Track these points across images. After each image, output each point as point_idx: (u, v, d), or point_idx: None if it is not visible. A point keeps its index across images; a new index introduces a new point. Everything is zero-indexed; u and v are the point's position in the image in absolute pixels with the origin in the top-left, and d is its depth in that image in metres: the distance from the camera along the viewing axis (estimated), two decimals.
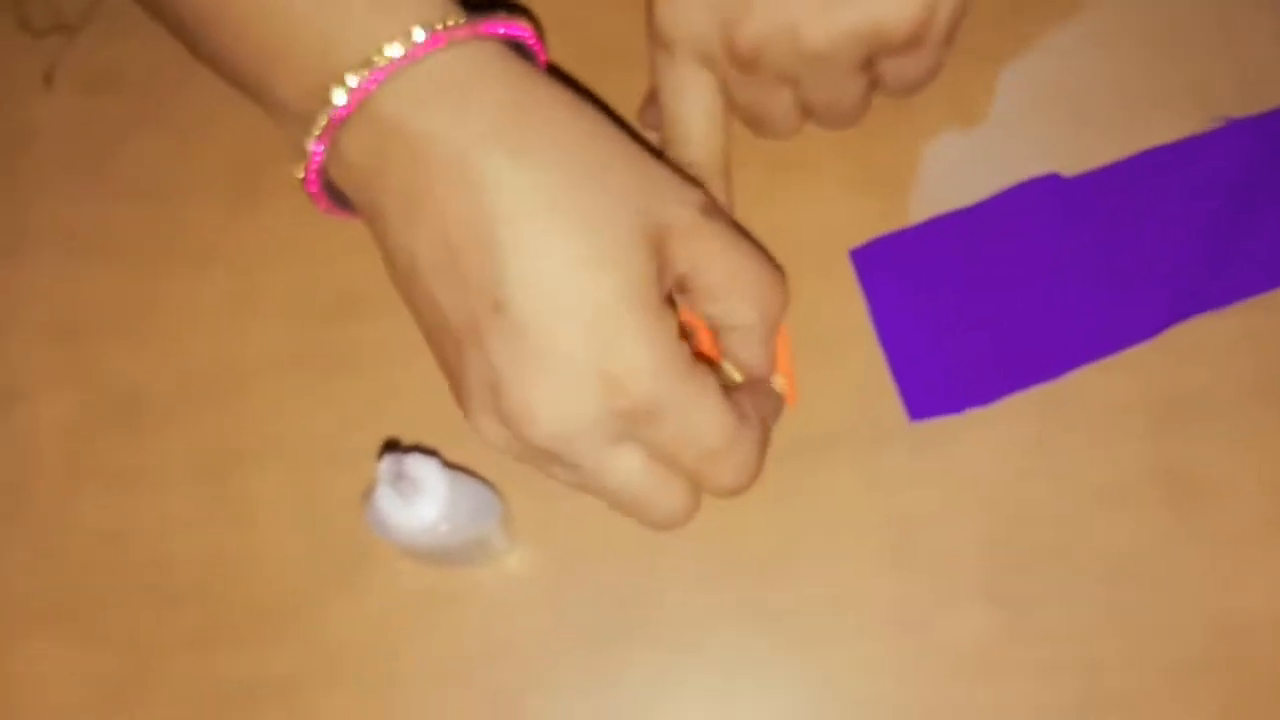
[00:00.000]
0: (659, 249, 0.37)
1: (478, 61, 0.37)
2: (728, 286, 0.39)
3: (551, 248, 0.36)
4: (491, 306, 0.36)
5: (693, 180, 0.40)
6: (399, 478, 0.37)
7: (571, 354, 0.36)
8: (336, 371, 0.45)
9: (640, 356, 0.36)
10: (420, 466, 0.37)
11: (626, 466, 0.38)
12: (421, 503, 0.37)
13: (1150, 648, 0.42)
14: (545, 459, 0.38)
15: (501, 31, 0.39)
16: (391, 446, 0.41)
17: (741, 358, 0.41)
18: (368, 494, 0.38)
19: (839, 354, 0.44)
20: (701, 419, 0.37)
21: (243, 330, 0.46)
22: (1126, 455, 0.43)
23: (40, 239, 0.47)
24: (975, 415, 0.43)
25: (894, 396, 0.44)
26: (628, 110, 0.47)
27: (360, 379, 0.45)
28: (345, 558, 0.43)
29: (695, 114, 0.43)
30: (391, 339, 0.45)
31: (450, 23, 0.37)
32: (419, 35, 0.37)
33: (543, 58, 0.41)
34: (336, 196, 0.41)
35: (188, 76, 0.47)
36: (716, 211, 0.39)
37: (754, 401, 0.40)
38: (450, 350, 0.38)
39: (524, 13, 0.41)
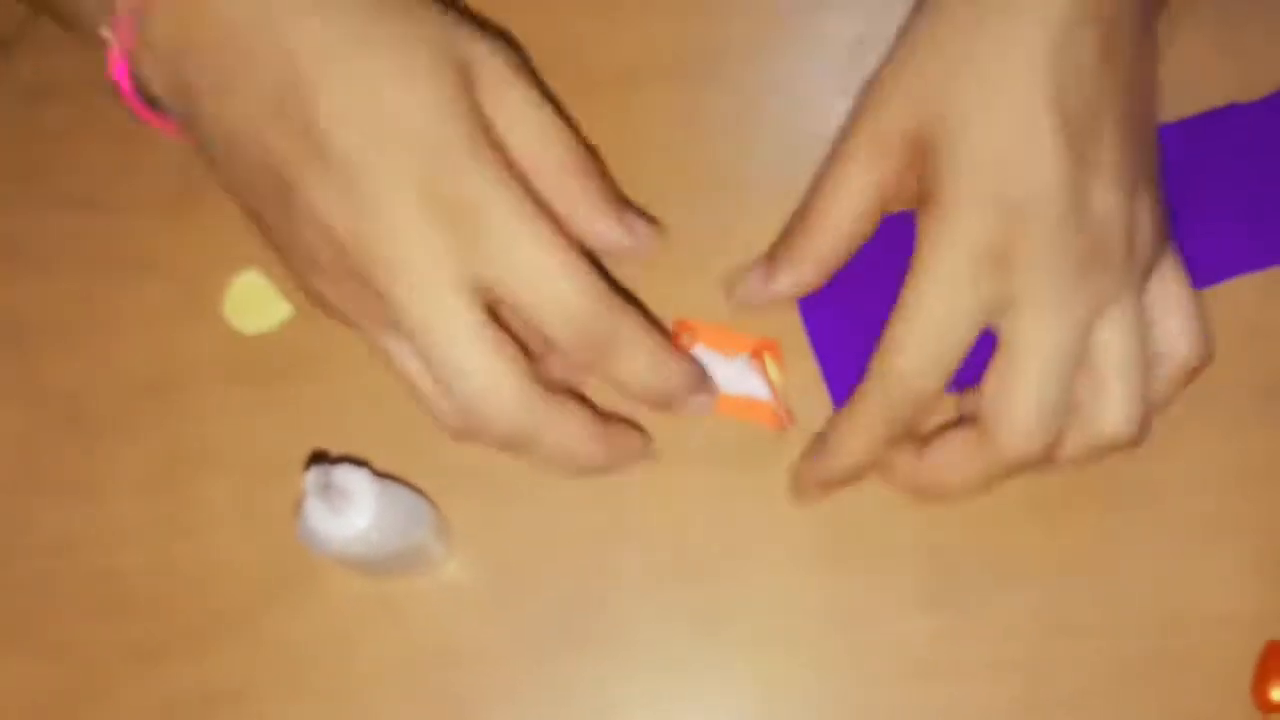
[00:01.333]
0: (468, 84, 0.37)
1: None
2: (541, 143, 0.38)
3: (359, 74, 0.36)
4: (312, 147, 0.36)
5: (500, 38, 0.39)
6: (327, 488, 0.36)
7: (396, 174, 0.35)
8: (279, 380, 0.45)
9: (466, 161, 0.36)
10: (348, 476, 0.37)
11: (467, 320, 0.36)
12: (350, 512, 0.37)
13: (1095, 647, 0.42)
14: (377, 312, 0.37)
15: None
16: (319, 458, 0.41)
17: (578, 219, 0.39)
18: (298, 507, 0.38)
19: (785, 358, 0.44)
20: (527, 246, 0.36)
21: (185, 338, 0.45)
22: None
23: None
24: None
25: (826, 397, 0.44)
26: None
27: (303, 388, 0.45)
28: (293, 566, 0.44)
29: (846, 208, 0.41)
30: (334, 348, 0.44)
31: None
32: None
33: None
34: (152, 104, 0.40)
35: None
36: (524, 70, 0.39)
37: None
38: (277, 215, 0.37)
39: None
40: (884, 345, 0.38)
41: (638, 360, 0.38)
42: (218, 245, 0.46)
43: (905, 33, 0.40)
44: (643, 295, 0.45)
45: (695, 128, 0.47)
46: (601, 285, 0.37)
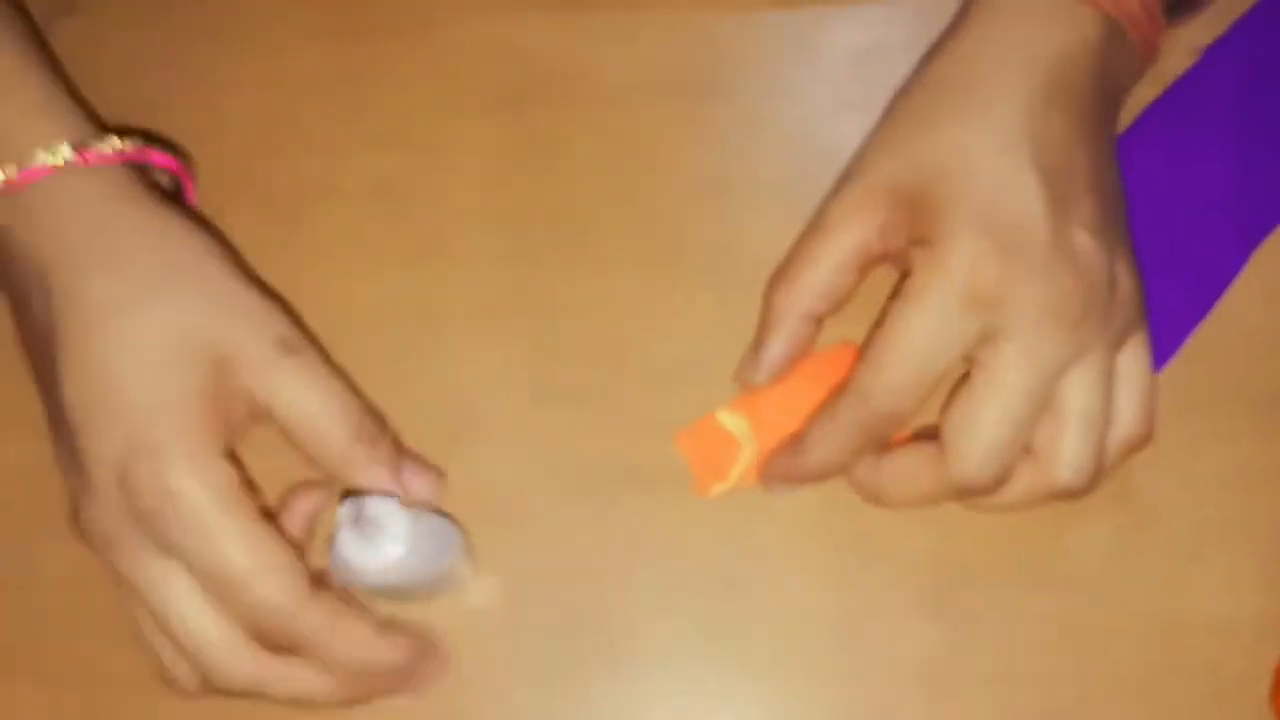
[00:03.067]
0: (223, 373, 0.39)
1: (94, 185, 0.41)
2: (324, 415, 0.40)
3: (101, 349, 0.39)
4: (55, 403, 0.39)
5: (280, 312, 0.41)
6: (359, 520, 0.37)
7: (102, 454, 0.38)
8: None
9: (161, 460, 0.38)
10: (380, 507, 0.38)
11: (173, 586, 0.38)
12: (384, 542, 0.37)
13: (1101, 656, 0.43)
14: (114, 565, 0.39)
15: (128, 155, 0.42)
16: (349, 491, 0.42)
17: (369, 481, 0.40)
18: (328, 540, 0.38)
19: None
20: (223, 544, 0.38)
21: None
22: None
23: None
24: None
25: None
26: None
27: None
28: None
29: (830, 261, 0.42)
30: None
31: (94, 145, 0.41)
32: (43, 158, 0.40)
33: (189, 186, 0.45)
34: None
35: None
36: (299, 345, 0.40)
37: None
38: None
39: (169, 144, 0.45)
40: (865, 362, 0.40)
41: (341, 648, 0.39)
42: None
43: (887, 114, 0.43)
44: (652, 308, 0.46)
45: (701, 141, 0.48)
46: (296, 583, 0.38)
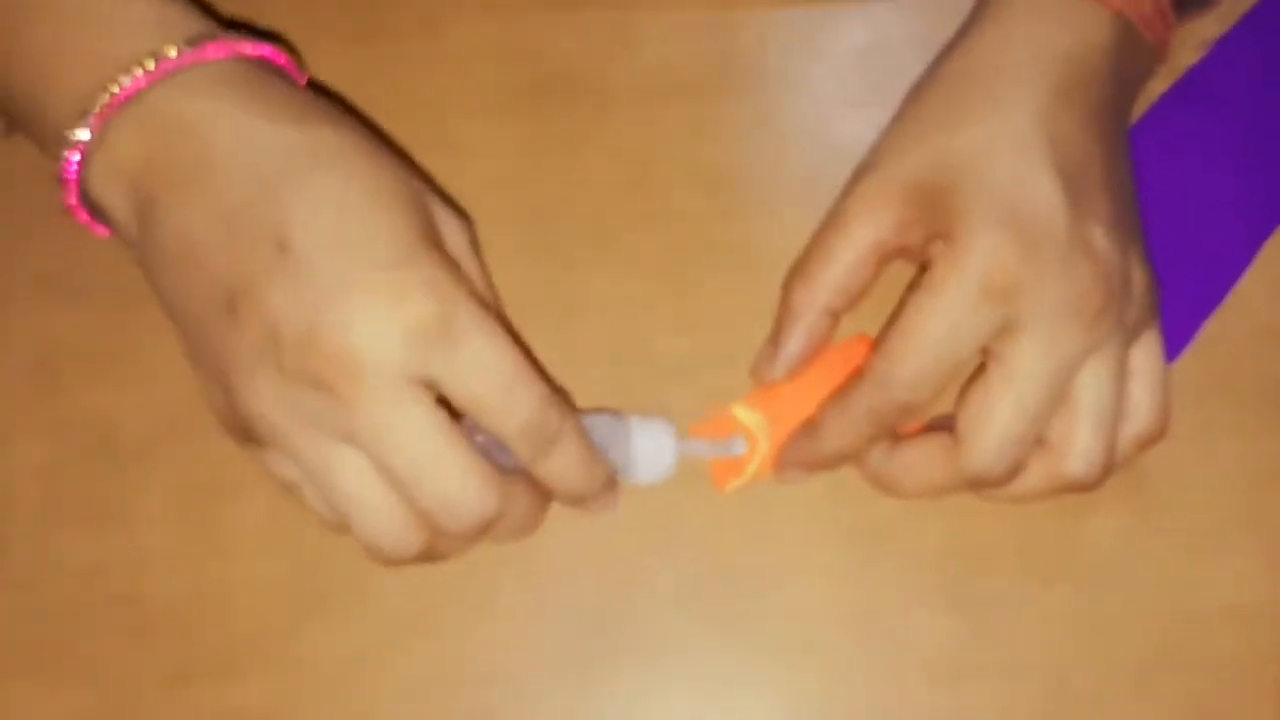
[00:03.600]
0: (433, 230, 0.39)
1: (252, 69, 0.39)
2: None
3: (334, 192, 0.37)
4: (275, 248, 0.36)
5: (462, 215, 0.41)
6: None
7: (359, 271, 0.36)
8: None
9: (428, 271, 0.37)
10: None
11: (432, 417, 0.37)
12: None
13: (1113, 647, 0.43)
14: (328, 422, 0.37)
15: (265, 53, 0.41)
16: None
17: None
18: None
19: None
20: (491, 351, 0.37)
21: None
22: None
23: (15, 281, 0.47)
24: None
25: None
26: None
27: None
28: (323, 588, 0.44)
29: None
30: None
31: (219, 38, 0.39)
32: (186, 45, 0.39)
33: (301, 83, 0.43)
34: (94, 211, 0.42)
35: None
36: (478, 246, 0.41)
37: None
38: (221, 328, 0.37)
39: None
40: (882, 353, 0.40)
41: (569, 459, 0.40)
42: None
43: (902, 110, 0.44)
44: (666, 305, 0.46)
45: (714, 140, 0.48)
46: (550, 390, 0.39)
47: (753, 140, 0.48)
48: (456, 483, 0.37)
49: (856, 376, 0.41)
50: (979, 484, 0.40)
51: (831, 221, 0.43)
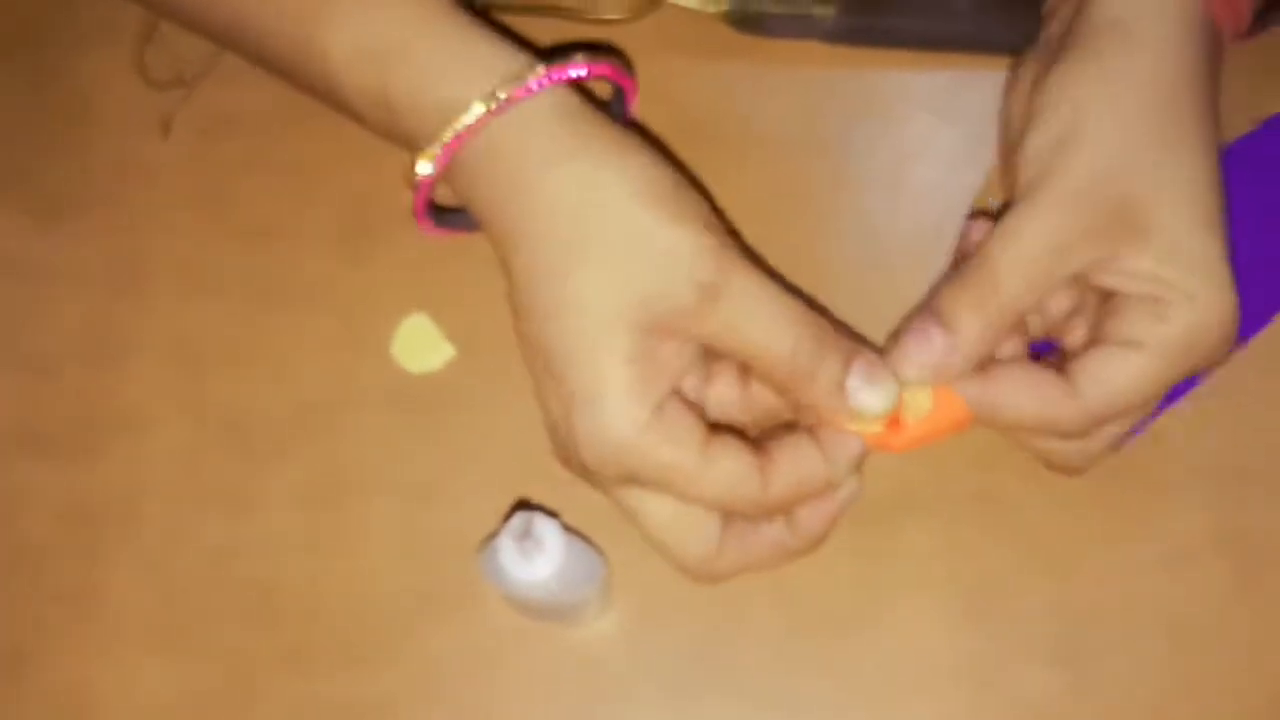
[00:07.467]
0: (659, 328, 0.39)
1: (566, 104, 0.41)
2: (754, 357, 0.40)
3: (540, 312, 0.40)
4: (536, 350, 0.40)
5: (700, 241, 0.40)
6: (525, 536, 0.40)
7: (553, 405, 0.40)
8: (439, 411, 0.48)
9: (598, 419, 0.39)
10: (545, 528, 0.40)
11: (649, 506, 0.40)
12: (540, 561, 0.40)
13: (1213, 706, 0.44)
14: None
15: (585, 74, 0.41)
16: (522, 505, 0.44)
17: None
18: (487, 540, 0.40)
19: None
20: (762, 295, 0.39)
21: (351, 370, 0.48)
22: (1190, 518, 0.46)
23: (159, 275, 0.49)
24: (1042, 481, 0.45)
25: (968, 463, 0.46)
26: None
27: (462, 419, 0.47)
28: (444, 586, 0.46)
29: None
30: (498, 382, 0.47)
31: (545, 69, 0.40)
32: (536, 73, 0.40)
33: (630, 95, 0.45)
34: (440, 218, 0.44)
35: (300, 120, 0.50)
36: (719, 286, 0.39)
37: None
38: (546, 386, 0.40)
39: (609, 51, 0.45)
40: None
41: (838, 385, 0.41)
42: (388, 286, 0.49)
43: (1058, 119, 0.42)
44: None
45: (840, 189, 0.50)
46: (823, 324, 0.40)
47: (876, 191, 0.50)
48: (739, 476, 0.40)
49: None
50: (1085, 428, 0.41)
51: (1004, 231, 0.42)
